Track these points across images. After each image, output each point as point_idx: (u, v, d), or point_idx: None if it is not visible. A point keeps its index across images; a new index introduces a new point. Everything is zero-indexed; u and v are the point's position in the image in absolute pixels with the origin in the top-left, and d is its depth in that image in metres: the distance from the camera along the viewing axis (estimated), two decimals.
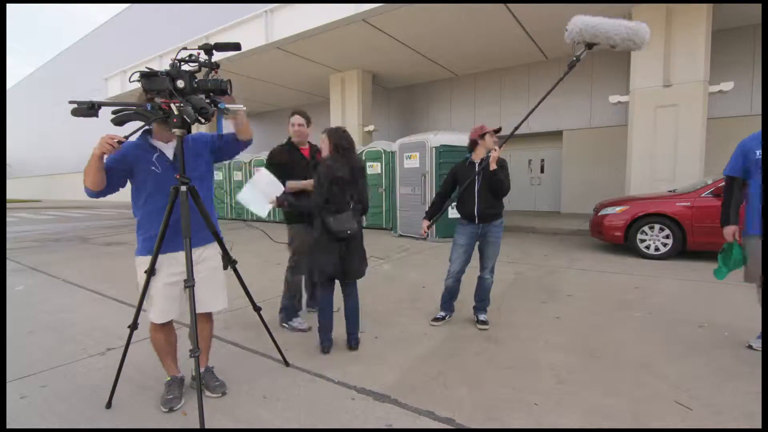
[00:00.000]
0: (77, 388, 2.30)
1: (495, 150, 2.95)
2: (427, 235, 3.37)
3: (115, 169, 1.95)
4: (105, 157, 1.85)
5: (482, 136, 3.15)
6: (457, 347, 2.82)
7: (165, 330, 2.14)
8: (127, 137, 1.91)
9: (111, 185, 1.96)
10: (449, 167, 8.30)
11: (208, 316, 2.27)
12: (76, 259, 6.48)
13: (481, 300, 3.26)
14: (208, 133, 2.24)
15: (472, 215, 3.12)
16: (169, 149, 2.06)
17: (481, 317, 3.24)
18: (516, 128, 2.83)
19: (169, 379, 2.18)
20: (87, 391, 2.26)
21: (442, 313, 3.33)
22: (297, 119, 3.15)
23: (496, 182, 3.00)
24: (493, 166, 2.95)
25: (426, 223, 3.22)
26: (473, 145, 3.21)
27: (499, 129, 3.18)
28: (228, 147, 2.23)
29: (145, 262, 1.99)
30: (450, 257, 3.27)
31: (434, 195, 3.32)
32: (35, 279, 5.07)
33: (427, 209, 3.29)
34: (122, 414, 2.03)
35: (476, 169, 3.09)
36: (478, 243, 3.21)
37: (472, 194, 3.13)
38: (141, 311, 2.04)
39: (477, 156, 3.19)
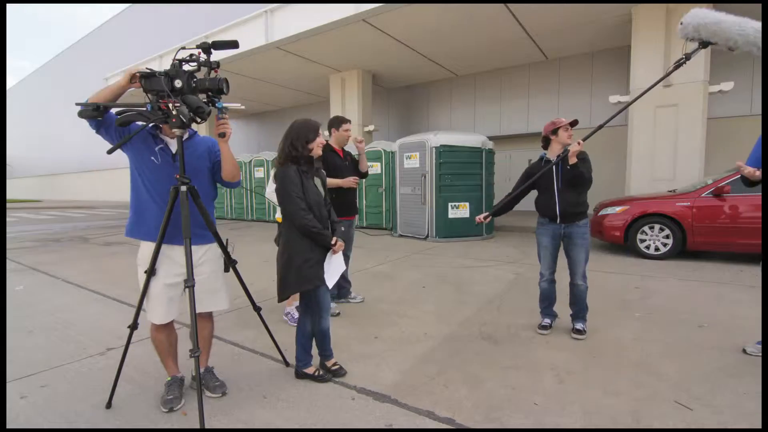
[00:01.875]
0: (77, 388, 2.30)
1: (576, 144, 2.74)
2: (481, 224, 3.14)
3: (116, 128, 1.93)
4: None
5: (555, 131, 2.95)
6: (457, 347, 2.82)
7: (166, 330, 2.14)
8: (129, 138, 1.92)
9: (108, 125, 1.93)
10: (449, 167, 8.36)
11: (209, 316, 2.28)
12: (76, 259, 6.48)
13: (578, 308, 3.03)
14: (216, 147, 2.15)
15: (554, 215, 2.95)
16: (173, 145, 2.06)
17: (578, 326, 2.99)
18: (603, 124, 2.73)
19: (169, 379, 2.18)
20: (87, 391, 2.26)
21: (547, 320, 3.12)
22: (349, 125, 3.59)
23: (577, 176, 2.81)
24: (572, 160, 2.76)
25: (483, 215, 3.01)
26: (546, 142, 3.04)
27: (575, 122, 2.93)
28: (216, 173, 2.17)
29: (131, 242, 1.99)
30: (539, 259, 3.12)
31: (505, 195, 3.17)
32: (35, 279, 5.07)
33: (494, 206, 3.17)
34: (122, 414, 2.03)
35: (552, 165, 2.93)
36: (563, 245, 3.03)
37: (552, 193, 2.96)
38: (141, 311, 2.04)
39: (552, 153, 3.02)
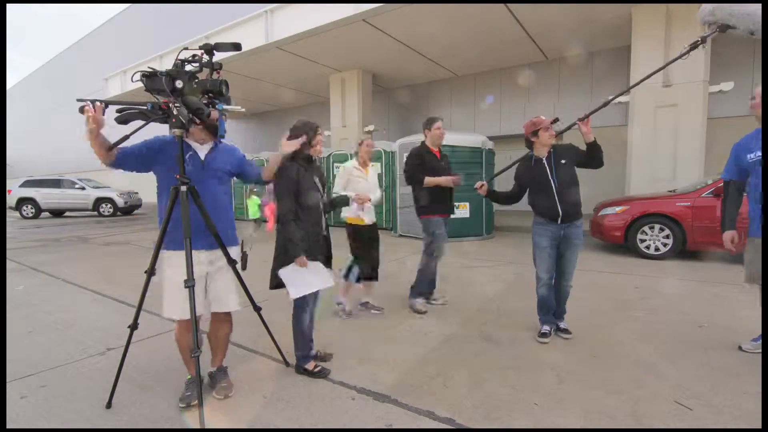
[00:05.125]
0: (77, 388, 2.30)
1: (585, 126, 2.73)
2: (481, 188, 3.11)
3: (144, 156, 2.00)
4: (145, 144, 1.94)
5: (535, 133, 2.86)
6: (457, 347, 2.82)
7: (190, 330, 2.14)
8: (128, 136, 1.92)
9: (129, 163, 1.99)
10: (449, 167, 8.26)
11: (227, 316, 2.27)
12: (76, 259, 6.48)
13: (562, 309, 3.03)
14: (241, 153, 2.31)
15: (556, 215, 2.82)
16: (202, 151, 2.10)
17: (562, 325, 3.01)
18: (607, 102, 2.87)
19: (189, 378, 2.19)
20: (87, 391, 2.26)
21: (546, 328, 2.98)
22: (440, 124, 3.60)
23: (597, 152, 2.79)
24: (590, 137, 2.75)
25: (481, 183, 3.11)
26: (529, 144, 2.95)
27: (555, 120, 2.86)
28: (249, 177, 2.34)
29: (170, 255, 2.03)
30: (534, 262, 2.98)
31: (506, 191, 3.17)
32: (35, 279, 5.06)
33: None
34: (122, 414, 2.03)
35: (545, 164, 2.86)
36: (558, 245, 2.91)
37: (550, 193, 2.83)
38: (141, 311, 2.04)
39: (540, 152, 2.91)
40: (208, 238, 2.03)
